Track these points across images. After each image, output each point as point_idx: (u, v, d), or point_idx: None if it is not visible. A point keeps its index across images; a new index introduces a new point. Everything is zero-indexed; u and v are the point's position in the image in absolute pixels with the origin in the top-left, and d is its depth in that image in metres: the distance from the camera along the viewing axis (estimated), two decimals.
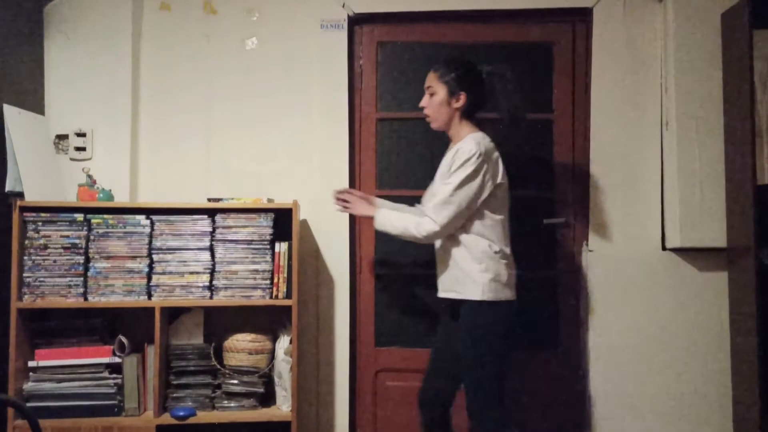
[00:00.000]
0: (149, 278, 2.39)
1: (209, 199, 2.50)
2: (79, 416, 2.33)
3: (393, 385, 2.72)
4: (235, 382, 2.43)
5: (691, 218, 2.55)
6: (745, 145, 2.42)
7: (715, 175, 2.57)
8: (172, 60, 2.75)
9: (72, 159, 2.65)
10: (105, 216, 2.39)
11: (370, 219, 2.30)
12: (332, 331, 2.68)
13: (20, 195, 2.33)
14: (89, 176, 2.53)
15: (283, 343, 2.44)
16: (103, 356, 2.38)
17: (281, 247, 2.42)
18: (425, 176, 2.47)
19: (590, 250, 2.70)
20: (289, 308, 2.40)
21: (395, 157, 2.79)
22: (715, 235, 2.55)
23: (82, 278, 2.36)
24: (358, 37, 2.81)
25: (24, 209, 2.34)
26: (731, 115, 2.53)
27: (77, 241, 2.36)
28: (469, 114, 2.24)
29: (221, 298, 2.40)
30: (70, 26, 2.68)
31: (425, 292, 2.65)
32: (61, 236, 2.36)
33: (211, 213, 2.43)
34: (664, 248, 2.66)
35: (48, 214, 2.36)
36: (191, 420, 2.37)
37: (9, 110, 2.37)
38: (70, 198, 2.56)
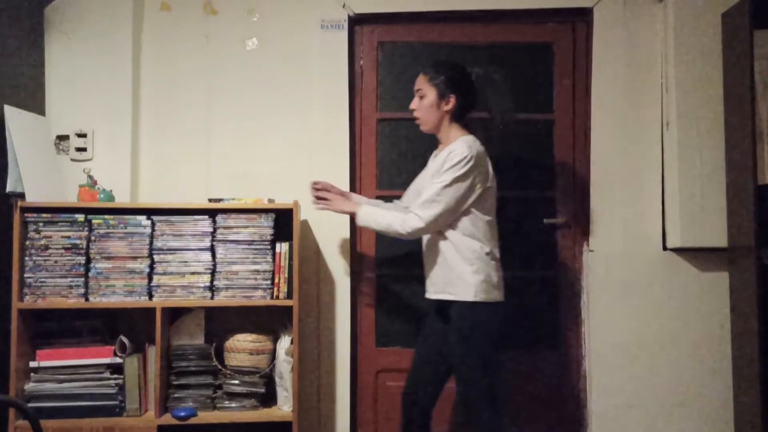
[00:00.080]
0: (150, 279, 2.39)
1: (210, 200, 2.50)
2: (80, 417, 2.34)
3: (394, 385, 2.71)
4: (236, 382, 2.43)
5: (691, 218, 2.56)
6: (746, 144, 2.42)
7: (715, 175, 2.57)
8: (173, 60, 2.75)
9: (73, 159, 2.65)
10: (106, 216, 2.39)
11: (352, 215, 2.32)
12: (333, 332, 2.68)
13: (21, 196, 2.33)
14: (90, 177, 2.53)
15: (284, 343, 2.44)
16: (105, 357, 2.38)
17: (282, 247, 2.42)
18: None
19: (591, 250, 2.70)
20: (290, 308, 2.40)
21: (395, 157, 2.79)
22: (716, 235, 2.56)
23: (83, 279, 2.36)
24: (359, 38, 2.82)
25: (25, 210, 2.34)
26: (732, 114, 2.53)
27: (78, 241, 2.37)
28: (458, 117, 2.26)
29: (222, 299, 2.40)
30: (70, 27, 2.68)
31: (426, 292, 2.64)
32: (62, 237, 2.36)
33: (212, 213, 2.43)
34: (664, 248, 2.66)
35: (49, 215, 2.36)
36: (192, 420, 2.37)
37: (10, 111, 2.38)
38: (71, 198, 2.56)
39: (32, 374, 2.36)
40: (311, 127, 2.72)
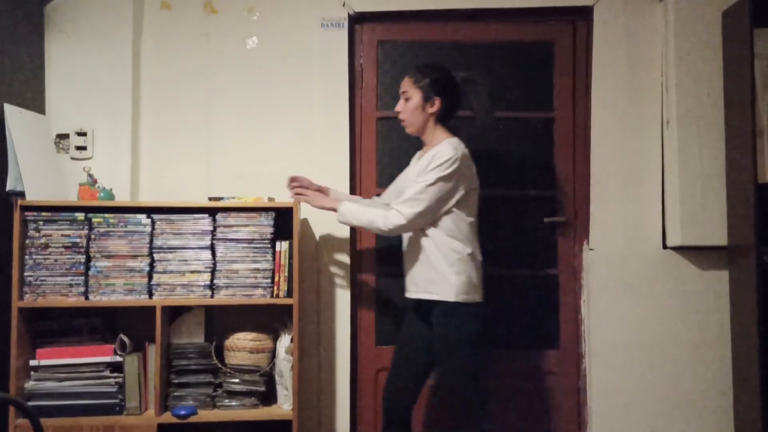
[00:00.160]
0: (150, 277, 2.39)
1: (210, 198, 2.50)
2: (80, 415, 2.33)
3: None
4: (236, 380, 2.43)
5: (691, 216, 2.56)
6: (746, 143, 2.42)
7: (715, 174, 2.57)
8: (173, 59, 2.75)
9: (73, 158, 2.65)
10: (106, 215, 2.39)
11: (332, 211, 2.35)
12: (333, 330, 2.68)
13: (21, 194, 2.33)
14: (90, 175, 2.53)
15: (284, 341, 2.44)
16: (105, 355, 2.38)
17: (282, 245, 2.42)
18: None
19: (591, 249, 2.70)
20: (290, 307, 2.40)
21: (395, 155, 2.79)
22: (716, 234, 2.56)
23: (83, 277, 2.36)
24: (359, 36, 2.82)
25: (25, 208, 2.34)
26: (732, 113, 2.53)
27: (78, 240, 2.37)
28: (443, 119, 2.29)
29: (222, 297, 2.40)
30: (70, 25, 2.68)
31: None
32: (62, 235, 2.36)
33: (212, 212, 2.43)
34: (664, 246, 2.66)
35: (49, 214, 2.36)
36: (192, 419, 2.37)
37: (10, 109, 2.37)
38: (71, 197, 2.56)
39: (32, 373, 2.36)
40: (311, 126, 2.72)
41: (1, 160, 2.33)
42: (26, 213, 2.34)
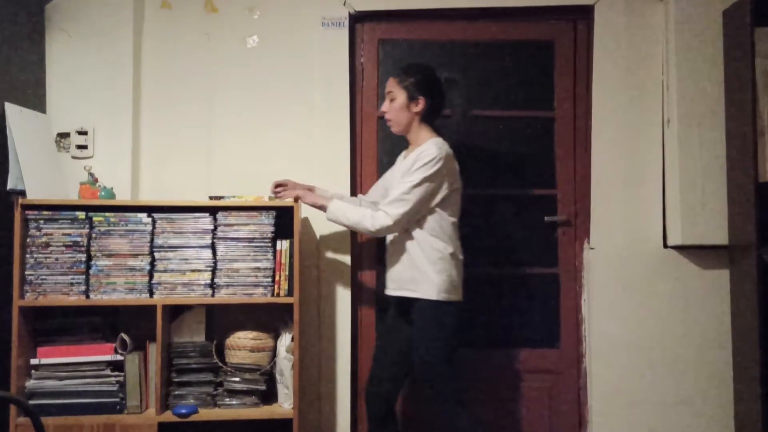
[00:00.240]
0: (151, 276, 2.39)
1: (211, 197, 2.50)
2: (81, 414, 2.33)
3: None
4: (237, 379, 2.43)
5: (692, 215, 2.56)
6: (747, 142, 2.42)
7: (716, 173, 2.57)
8: (174, 58, 2.75)
9: (73, 157, 2.65)
10: (107, 214, 2.39)
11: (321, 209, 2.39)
12: (334, 329, 2.68)
13: (22, 193, 2.33)
14: (91, 174, 2.53)
15: (285, 340, 2.44)
16: (105, 354, 2.38)
17: (283, 244, 2.42)
18: None
19: (591, 248, 2.70)
20: (290, 306, 2.40)
21: (396, 155, 2.78)
22: (717, 233, 2.56)
23: (83, 276, 2.36)
24: (360, 35, 2.82)
25: (26, 207, 2.34)
26: (733, 112, 2.53)
27: (79, 239, 2.36)
28: (428, 118, 2.34)
29: (223, 296, 2.40)
30: (71, 24, 2.68)
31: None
32: (63, 234, 2.36)
33: (213, 211, 2.43)
34: (665, 245, 2.66)
35: (50, 212, 2.36)
36: (193, 417, 2.37)
37: (10, 108, 2.37)
38: (72, 196, 2.56)
39: (33, 371, 2.36)
40: (312, 125, 2.72)
41: (1, 158, 2.33)
42: (27, 212, 2.34)
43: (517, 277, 2.79)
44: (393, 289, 2.34)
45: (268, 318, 2.56)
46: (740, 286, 2.52)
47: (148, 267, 2.38)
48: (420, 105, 2.31)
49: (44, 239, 2.35)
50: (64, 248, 2.36)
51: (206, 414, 2.39)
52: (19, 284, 2.31)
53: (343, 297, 2.69)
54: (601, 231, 2.69)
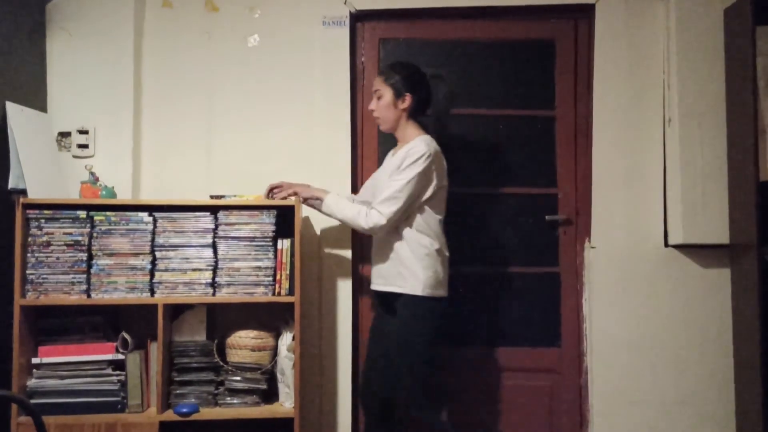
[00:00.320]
0: (152, 275, 2.39)
1: (212, 196, 2.51)
2: (82, 413, 2.34)
3: None
4: (238, 378, 2.44)
5: (693, 215, 2.55)
6: (748, 141, 2.42)
7: (717, 172, 2.57)
8: (174, 57, 2.75)
9: (74, 156, 2.65)
10: (108, 213, 2.39)
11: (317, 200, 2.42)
12: (335, 328, 2.68)
13: (23, 192, 2.33)
14: (92, 173, 2.53)
15: (286, 339, 2.44)
16: (107, 353, 2.39)
17: (284, 243, 2.42)
18: None
19: (593, 247, 2.70)
20: (291, 305, 2.40)
21: None
22: (718, 232, 2.56)
23: (85, 275, 2.36)
24: (360, 34, 2.81)
25: (27, 206, 2.34)
26: (734, 111, 2.53)
27: (80, 238, 2.37)
28: (415, 115, 2.37)
29: (224, 295, 2.40)
30: (72, 23, 2.68)
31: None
32: (64, 233, 2.36)
33: (214, 210, 2.43)
34: (666, 245, 2.66)
35: (51, 212, 2.36)
36: (194, 416, 2.37)
37: (12, 108, 2.38)
38: (73, 195, 2.57)
39: (34, 370, 2.37)
40: (313, 124, 2.72)
41: (3, 158, 2.33)
42: (28, 211, 2.34)
43: (518, 276, 2.79)
44: (380, 285, 2.37)
45: (269, 317, 2.56)
46: (741, 285, 2.52)
47: (149, 266, 2.38)
48: (406, 102, 2.33)
49: (45, 238, 2.35)
50: (65, 247, 2.36)
51: (207, 413, 2.39)
52: (20, 283, 2.31)
53: (344, 296, 2.70)
54: (602, 230, 2.69)
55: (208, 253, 2.41)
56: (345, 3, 2.73)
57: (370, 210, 2.25)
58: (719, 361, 2.63)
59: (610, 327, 2.66)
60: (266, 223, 2.42)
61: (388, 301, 2.34)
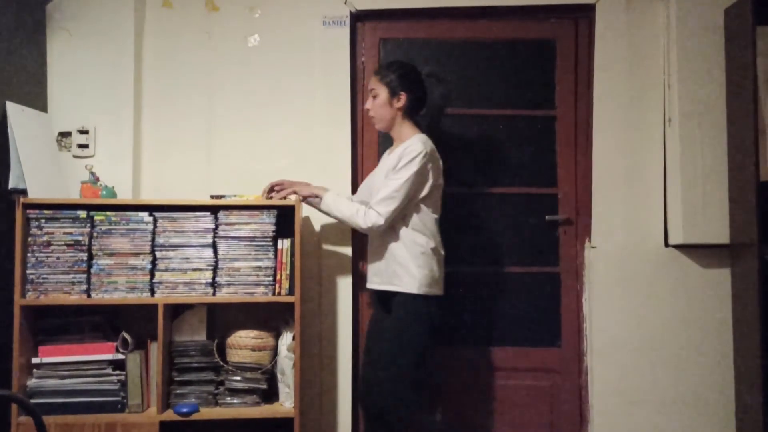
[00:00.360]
0: (152, 275, 2.39)
1: (212, 196, 2.51)
2: (82, 413, 2.34)
3: None
4: (238, 378, 2.44)
5: (693, 214, 2.55)
6: (748, 141, 2.42)
7: (718, 172, 2.57)
8: (175, 57, 2.75)
9: (75, 156, 2.65)
10: (108, 213, 2.39)
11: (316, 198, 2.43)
12: (335, 328, 2.68)
13: (23, 192, 2.33)
14: (92, 173, 2.53)
15: (286, 339, 2.45)
16: (107, 353, 2.39)
17: (284, 243, 2.42)
18: None
19: (593, 247, 2.70)
20: (291, 305, 2.40)
21: None
22: (718, 232, 2.55)
23: (85, 275, 2.36)
24: (361, 34, 2.81)
25: (27, 206, 2.34)
26: (734, 111, 2.53)
27: (80, 238, 2.37)
28: (410, 114, 2.37)
29: (224, 295, 2.40)
30: (72, 23, 2.68)
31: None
32: (64, 233, 2.36)
33: (214, 210, 2.43)
34: (666, 244, 2.66)
35: (51, 211, 2.36)
36: (194, 416, 2.37)
37: (12, 107, 2.38)
38: (73, 195, 2.57)
39: (34, 370, 2.37)
40: (313, 124, 2.72)
41: (3, 158, 2.33)
42: (28, 211, 2.34)
43: (519, 276, 2.79)
44: (376, 284, 2.38)
45: (269, 317, 2.56)
46: (741, 285, 2.52)
47: (149, 266, 2.39)
48: (402, 101, 2.34)
49: (45, 238, 2.35)
50: (65, 247, 2.36)
51: (207, 413, 2.39)
52: (20, 283, 2.31)
53: (345, 296, 2.70)
54: (603, 230, 2.69)
55: (209, 252, 2.41)
56: (345, 3, 2.73)
57: (368, 209, 2.26)
58: (719, 360, 2.62)
59: (610, 327, 2.66)
60: (266, 222, 2.42)
61: (384, 300, 2.35)
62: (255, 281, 2.41)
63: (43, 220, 2.35)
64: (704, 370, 2.63)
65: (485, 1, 2.75)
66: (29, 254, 2.34)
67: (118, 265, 2.38)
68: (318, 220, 2.69)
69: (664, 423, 2.63)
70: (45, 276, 2.34)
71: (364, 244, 2.75)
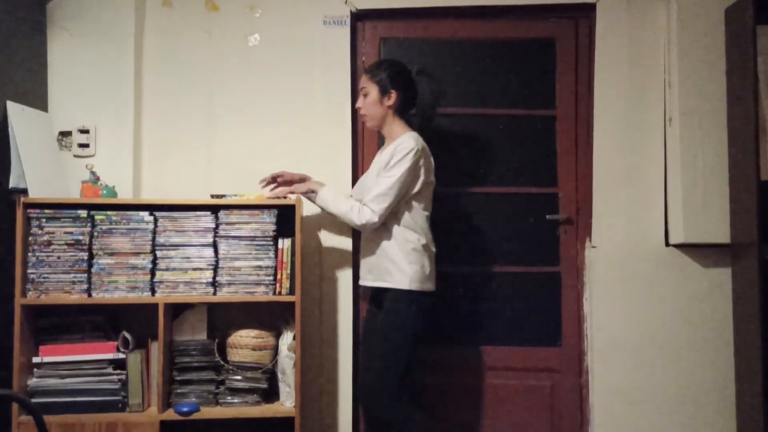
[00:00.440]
0: (153, 274, 2.39)
1: (212, 196, 2.51)
2: (83, 412, 2.34)
3: None
4: (239, 378, 2.44)
5: (694, 214, 2.55)
6: (749, 140, 2.42)
7: (718, 171, 2.57)
8: (175, 56, 2.75)
9: (75, 156, 2.66)
10: (108, 212, 2.39)
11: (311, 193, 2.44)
12: (335, 327, 2.68)
13: (24, 192, 2.33)
14: (92, 173, 2.53)
15: (287, 339, 2.45)
16: (107, 352, 2.39)
17: (284, 243, 2.42)
18: None
19: (593, 246, 2.70)
20: (292, 304, 2.40)
21: None
22: (719, 231, 2.55)
23: (85, 274, 2.36)
24: (361, 33, 2.81)
25: (28, 206, 2.34)
26: (735, 110, 2.53)
27: (81, 237, 2.37)
28: (401, 112, 2.39)
29: (224, 294, 2.40)
30: (72, 23, 2.68)
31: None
32: (65, 233, 2.36)
33: (215, 209, 2.43)
34: (667, 244, 2.66)
35: (52, 211, 2.36)
36: (195, 416, 2.37)
37: (12, 107, 2.38)
38: (74, 194, 2.57)
39: (35, 370, 2.37)
40: (313, 123, 2.72)
41: (3, 157, 2.33)
42: (29, 210, 2.35)
43: (519, 275, 2.79)
44: (368, 280, 2.39)
45: (269, 316, 2.56)
46: (742, 284, 2.52)
47: (149, 265, 2.39)
48: (392, 99, 2.36)
49: (46, 238, 2.35)
50: (66, 247, 2.36)
51: (208, 412, 2.39)
52: (21, 282, 2.31)
53: (345, 295, 2.69)
54: (603, 229, 2.69)
55: (209, 252, 2.41)
56: (346, 2, 2.73)
57: (363, 206, 2.27)
58: (720, 359, 2.62)
59: (611, 326, 2.66)
60: (267, 222, 2.42)
61: (377, 296, 2.37)
62: (255, 281, 2.41)
63: (43, 220, 2.35)
64: (705, 368, 2.63)
65: (485, 0, 2.74)
66: (30, 254, 2.34)
67: (119, 265, 2.38)
68: (318, 219, 2.69)
69: (665, 422, 2.63)
70: (46, 275, 2.34)
71: None
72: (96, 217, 2.38)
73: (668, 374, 2.64)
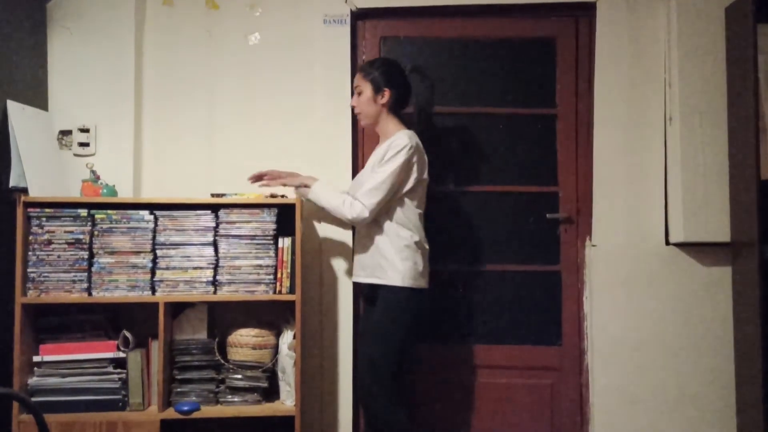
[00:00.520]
0: (153, 273, 2.39)
1: (212, 195, 2.50)
2: (83, 411, 2.34)
3: None
4: (239, 377, 2.44)
5: (694, 213, 2.55)
6: (749, 139, 2.42)
7: (718, 170, 2.56)
8: (175, 55, 2.75)
9: (75, 155, 2.66)
10: (109, 211, 2.39)
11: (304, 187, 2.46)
12: (335, 326, 2.68)
13: (24, 191, 2.33)
14: (93, 172, 2.53)
15: (287, 338, 2.45)
16: (108, 351, 2.39)
17: (285, 242, 2.42)
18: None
19: (593, 245, 2.70)
20: (292, 303, 2.40)
21: None
22: (719, 230, 2.55)
23: (86, 273, 2.36)
24: (361, 32, 2.81)
25: (28, 205, 2.34)
26: (735, 109, 2.53)
27: (81, 236, 2.37)
28: (395, 110, 2.41)
29: (225, 293, 2.41)
30: (72, 22, 2.68)
31: (430, 287, 2.64)
32: (65, 232, 2.36)
33: (215, 208, 2.43)
34: (667, 243, 2.66)
35: (52, 210, 2.36)
36: (195, 415, 2.37)
37: (12, 106, 2.38)
38: (74, 193, 2.57)
39: (35, 369, 2.37)
40: (313, 122, 2.72)
41: (4, 156, 2.33)
42: (29, 209, 2.35)
43: (519, 274, 2.79)
44: (361, 277, 2.41)
45: (270, 315, 2.56)
46: (742, 283, 2.52)
47: (150, 264, 2.39)
48: (386, 97, 2.38)
49: (46, 237, 2.35)
50: (66, 246, 2.36)
51: (208, 411, 2.39)
52: (21, 281, 2.32)
53: (346, 294, 2.70)
54: (603, 228, 2.69)
55: (209, 251, 2.41)
56: (346, 1, 2.73)
57: (354, 201, 2.29)
58: (720, 359, 2.62)
59: (611, 325, 2.66)
60: (267, 221, 2.42)
61: (371, 293, 2.38)
62: (256, 279, 2.41)
63: (44, 219, 2.35)
64: (705, 368, 2.63)
65: None
66: (30, 253, 2.35)
67: (119, 264, 2.38)
68: (319, 218, 2.69)
69: (665, 421, 2.63)
70: (46, 274, 2.34)
71: None
72: (96, 216, 2.38)
73: (668, 373, 2.64)
